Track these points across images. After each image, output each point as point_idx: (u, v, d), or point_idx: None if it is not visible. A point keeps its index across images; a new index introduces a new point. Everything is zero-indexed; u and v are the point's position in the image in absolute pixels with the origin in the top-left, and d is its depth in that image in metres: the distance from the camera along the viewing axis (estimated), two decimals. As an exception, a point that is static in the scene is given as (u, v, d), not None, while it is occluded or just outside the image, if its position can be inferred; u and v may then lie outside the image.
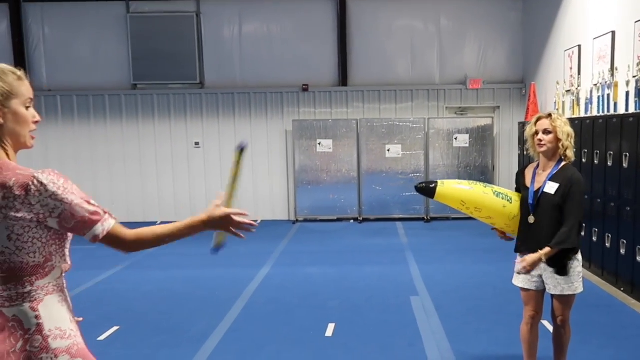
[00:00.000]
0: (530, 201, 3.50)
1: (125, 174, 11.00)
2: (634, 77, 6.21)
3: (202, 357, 4.50)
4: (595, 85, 7.21)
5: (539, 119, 3.52)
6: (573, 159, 3.51)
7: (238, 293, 6.19)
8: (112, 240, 1.91)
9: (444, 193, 3.58)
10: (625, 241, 5.94)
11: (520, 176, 3.68)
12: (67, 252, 1.96)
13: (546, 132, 3.45)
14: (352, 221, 10.68)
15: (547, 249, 3.38)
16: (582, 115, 7.52)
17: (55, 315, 1.86)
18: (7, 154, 1.87)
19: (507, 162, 10.88)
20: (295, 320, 5.34)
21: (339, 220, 10.73)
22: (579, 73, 7.85)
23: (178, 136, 11.00)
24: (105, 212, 1.89)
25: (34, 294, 1.84)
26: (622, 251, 5.99)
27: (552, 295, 3.54)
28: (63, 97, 10.88)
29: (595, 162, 6.56)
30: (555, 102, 8.67)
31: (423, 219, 10.58)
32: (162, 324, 5.31)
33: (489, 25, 10.84)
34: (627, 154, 5.85)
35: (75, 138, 10.94)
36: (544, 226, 3.44)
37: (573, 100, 8.00)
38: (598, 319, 5.16)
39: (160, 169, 11.03)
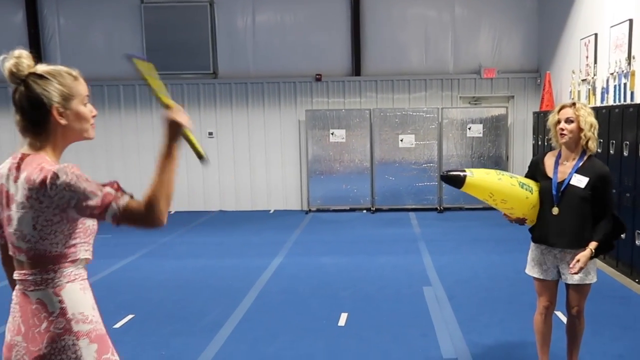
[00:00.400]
0: (554, 192, 3.44)
1: (139, 164, 11.07)
2: (651, 66, 6.13)
3: (215, 346, 4.55)
4: (612, 74, 7.13)
5: (562, 108, 3.45)
6: (595, 151, 3.43)
7: (251, 282, 6.23)
8: (131, 216, 1.86)
9: (474, 183, 3.40)
10: (640, 232, 5.90)
11: (540, 165, 3.57)
12: (90, 246, 2.02)
13: (568, 120, 3.38)
14: (364, 211, 10.68)
15: (594, 243, 3.33)
16: (598, 104, 7.44)
17: (77, 301, 1.95)
18: (52, 149, 1.96)
19: (521, 152, 10.80)
20: (308, 309, 5.36)
21: (351, 210, 10.74)
22: (595, 62, 7.76)
23: (192, 126, 11.00)
24: (118, 190, 1.87)
25: (57, 280, 1.92)
26: (638, 242, 5.94)
27: (568, 286, 3.51)
28: (78, 88, 10.93)
29: (611, 152, 6.50)
30: (570, 92, 8.59)
31: (436, 209, 10.56)
32: (176, 312, 5.36)
33: (504, 13, 10.73)
34: (644, 144, 5.79)
35: (90, 128, 11.00)
36: (568, 218, 3.38)
37: (589, 89, 7.91)
38: (612, 310, 5.13)
39: (174, 158, 11.06)
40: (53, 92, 1.91)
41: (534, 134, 9.89)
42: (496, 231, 8.28)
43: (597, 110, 6.84)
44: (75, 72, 1.98)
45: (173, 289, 6.13)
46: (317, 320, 5.07)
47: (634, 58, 6.58)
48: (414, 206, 10.62)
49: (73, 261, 1.95)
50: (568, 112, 3.40)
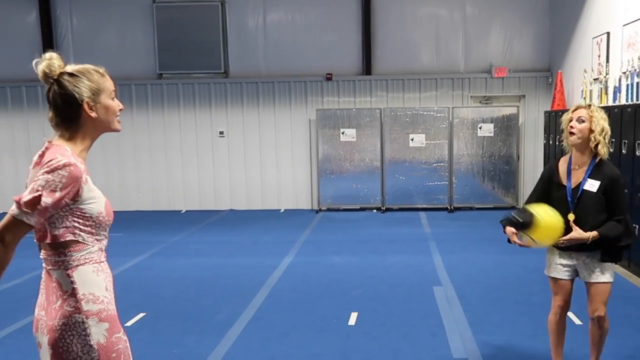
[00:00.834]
0: (569, 198, 3.42)
1: (150, 163, 11.14)
2: (664, 65, 6.08)
3: (226, 344, 4.57)
4: (624, 73, 7.08)
5: (577, 108, 3.44)
6: (605, 156, 3.41)
7: (262, 281, 6.26)
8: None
9: (544, 225, 3.21)
10: (653, 232, 5.85)
11: (554, 172, 3.53)
12: (100, 235, 2.12)
13: (580, 120, 3.36)
14: (374, 211, 10.68)
15: (594, 232, 3.31)
16: (610, 104, 7.40)
17: (89, 282, 2.07)
18: (81, 140, 2.11)
19: (532, 151, 10.74)
20: (319, 308, 5.38)
21: (361, 209, 10.74)
22: (607, 61, 7.71)
23: (203, 126, 11.09)
24: (17, 201, 1.93)
25: (68, 263, 2.05)
26: (650, 242, 5.90)
27: (589, 285, 3.47)
28: (90, 87, 11.01)
29: (623, 151, 6.46)
30: (582, 91, 8.54)
31: (446, 208, 10.54)
32: (187, 310, 5.40)
33: (515, 12, 10.69)
34: (656, 144, 5.74)
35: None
36: (584, 222, 3.36)
37: (601, 88, 7.87)
38: (624, 311, 5.10)
39: (185, 158, 11.15)
40: (83, 88, 2.08)
41: (545, 133, 9.84)
42: (507, 231, 8.24)
43: (609, 110, 6.82)
44: (102, 70, 2.17)
45: (184, 288, 6.17)
46: (327, 319, 5.09)
47: (646, 57, 6.54)
48: (424, 206, 10.60)
49: (83, 247, 2.07)
50: (582, 112, 3.39)
